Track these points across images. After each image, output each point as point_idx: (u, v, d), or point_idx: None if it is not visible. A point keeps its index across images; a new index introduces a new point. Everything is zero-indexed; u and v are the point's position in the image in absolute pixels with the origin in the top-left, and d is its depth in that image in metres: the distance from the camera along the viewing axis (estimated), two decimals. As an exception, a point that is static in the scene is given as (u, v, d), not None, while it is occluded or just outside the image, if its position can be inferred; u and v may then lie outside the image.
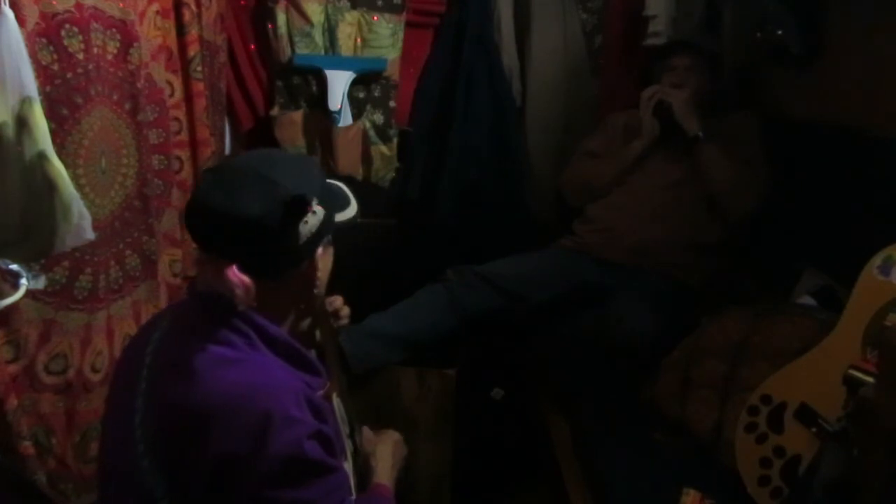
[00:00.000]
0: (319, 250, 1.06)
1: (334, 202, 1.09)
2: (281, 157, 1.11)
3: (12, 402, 1.33)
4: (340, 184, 1.17)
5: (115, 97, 1.51)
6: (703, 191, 2.06)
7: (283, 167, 1.03)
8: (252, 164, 1.03)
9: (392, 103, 2.36)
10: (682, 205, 2.09)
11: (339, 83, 2.22)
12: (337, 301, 1.46)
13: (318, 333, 1.24)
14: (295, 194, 0.98)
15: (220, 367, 0.97)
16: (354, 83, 2.26)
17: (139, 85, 1.58)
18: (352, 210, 1.12)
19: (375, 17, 2.26)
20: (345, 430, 1.18)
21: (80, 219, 1.25)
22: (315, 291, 1.09)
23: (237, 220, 0.97)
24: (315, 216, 1.01)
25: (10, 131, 1.14)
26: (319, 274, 1.07)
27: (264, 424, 0.92)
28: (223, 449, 0.92)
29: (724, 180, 2.01)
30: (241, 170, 1.03)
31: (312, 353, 1.15)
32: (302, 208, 0.99)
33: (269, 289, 1.04)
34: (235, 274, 1.00)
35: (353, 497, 1.08)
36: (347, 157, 2.28)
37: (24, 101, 1.15)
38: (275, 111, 2.27)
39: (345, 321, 1.48)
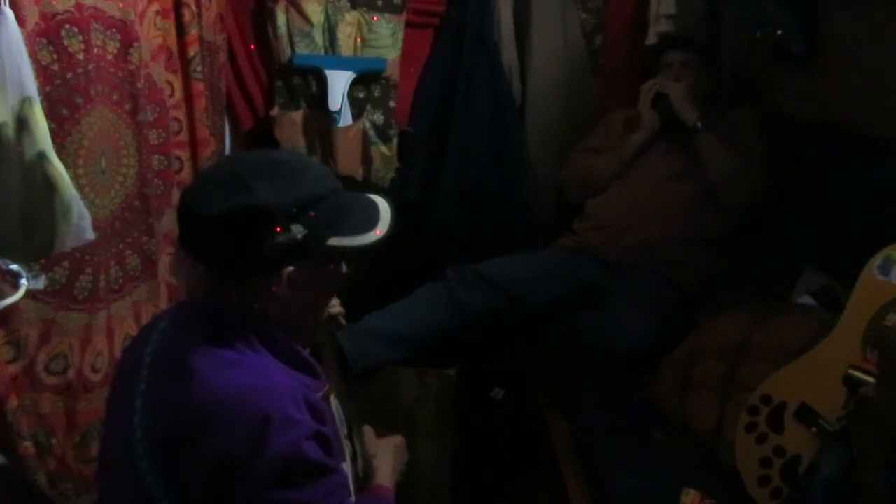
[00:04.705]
0: (290, 269, 1.01)
1: (334, 223, 1.03)
2: (281, 162, 1.04)
3: (12, 402, 1.33)
4: (381, 206, 1.11)
5: (115, 97, 1.51)
6: (703, 183, 2.06)
7: (273, 173, 0.99)
8: (245, 164, 1.01)
9: (392, 103, 2.36)
10: (682, 198, 2.09)
11: (339, 83, 2.21)
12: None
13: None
14: (254, 205, 0.95)
15: (219, 367, 0.97)
16: (354, 83, 2.26)
17: (139, 85, 1.58)
18: (366, 238, 1.06)
19: (375, 17, 2.26)
20: (343, 430, 1.18)
21: (80, 219, 1.25)
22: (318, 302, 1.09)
23: (195, 216, 0.98)
24: (287, 234, 0.97)
25: (10, 131, 1.14)
26: (293, 294, 1.02)
27: (263, 426, 0.92)
28: (222, 450, 0.92)
29: (722, 168, 2.01)
30: (230, 168, 1.02)
31: (310, 354, 1.15)
32: (262, 221, 0.96)
33: (254, 291, 1.02)
34: (193, 267, 1.01)
35: (353, 498, 1.08)
36: (347, 157, 2.28)
37: (24, 101, 1.15)
38: (275, 111, 2.27)
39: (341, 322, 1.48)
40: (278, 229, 0.97)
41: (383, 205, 1.12)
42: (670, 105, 2.08)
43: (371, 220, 1.09)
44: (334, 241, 1.03)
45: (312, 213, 1.00)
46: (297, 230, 0.98)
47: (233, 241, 0.98)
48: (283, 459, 0.93)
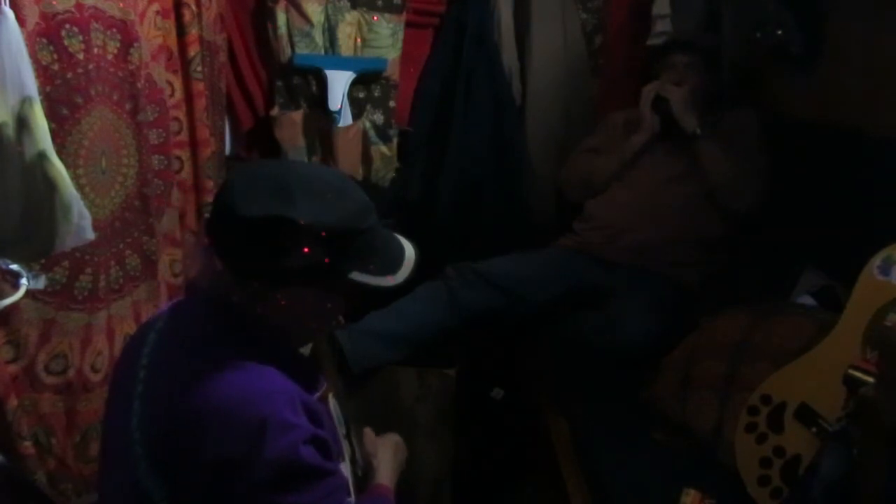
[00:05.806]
0: (301, 286, 1.01)
1: (359, 259, 1.02)
2: (330, 185, 1.02)
3: (12, 402, 1.33)
4: (408, 253, 1.10)
5: (115, 97, 1.51)
6: (704, 185, 2.06)
7: (319, 193, 0.98)
8: (297, 175, 1.00)
9: (392, 103, 2.36)
10: (683, 199, 2.09)
11: (339, 83, 2.22)
12: None
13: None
14: (290, 218, 0.94)
15: (216, 370, 0.96)
16: (354, 83, 2.26)
17: (139, 85, 1.58)
18: (384, 281, 1.05)
19: (375, 17, 2.26)
20: (341, 431, 1.18)
21: (80, 219, 1.25)
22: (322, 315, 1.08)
23: (230, 209, 0.96)
24: (311, 256, 0.97)
25: (10, 131, 1.14)
26: (296, 308, 1.03)
27: (259, 429, 0.92)
28: (219, 453, 0.92)
29: (723, 176, 2.01)
30: (282, 173, 1.01)
31: (308, 355, 1.15)
32: (291, 236, 0.95)
33: (258, 295, 1.02)
34: (207, 255, 1.01)
35: (352, 498, 1.08)
36: (347, 157, 2.28)
37: (24, 101, 1.15)
38: (275, 111, 2.27)
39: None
40: (305, 249, 0.96)
41: (410, 252, 1.12)
42: (671, 109, 2.08)
43: (395, 264, 1.08)
44: (354, 276, 1.02)
45: (342, 244, 0.99)
46: (322, 255, 0.98)
47: (255, 245, 0.97)
48: (279, 463, 0.93)
